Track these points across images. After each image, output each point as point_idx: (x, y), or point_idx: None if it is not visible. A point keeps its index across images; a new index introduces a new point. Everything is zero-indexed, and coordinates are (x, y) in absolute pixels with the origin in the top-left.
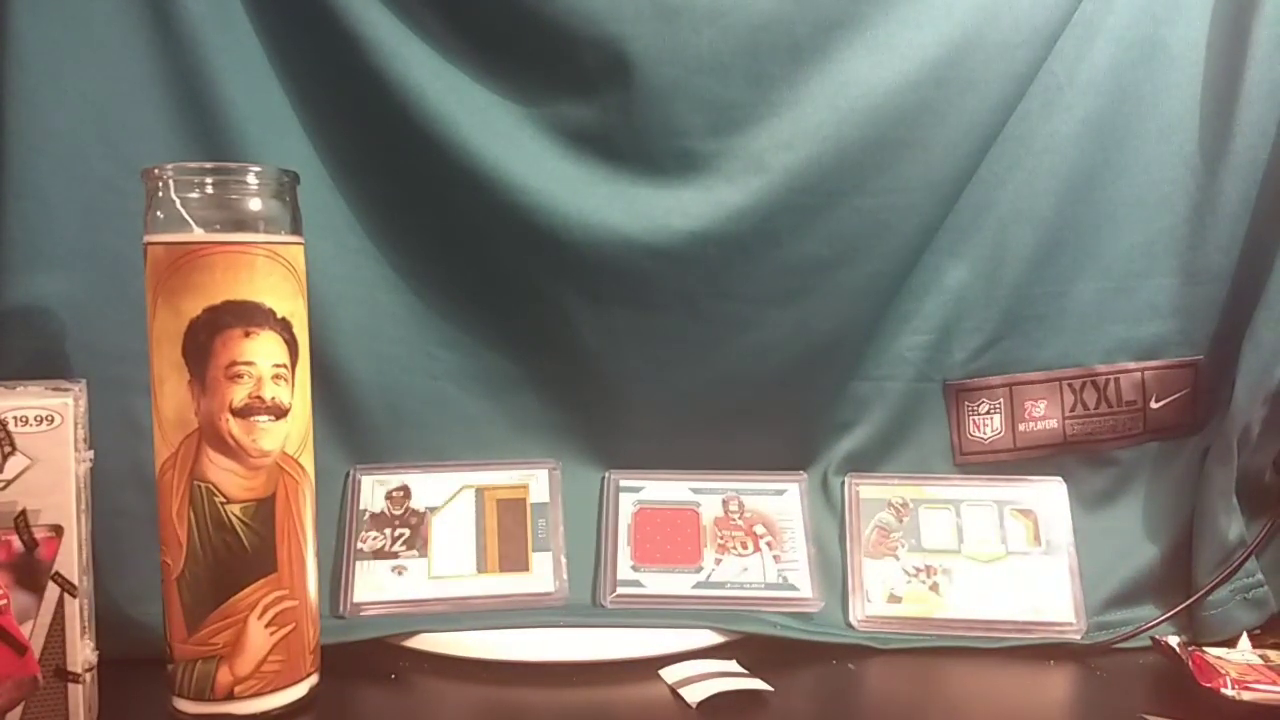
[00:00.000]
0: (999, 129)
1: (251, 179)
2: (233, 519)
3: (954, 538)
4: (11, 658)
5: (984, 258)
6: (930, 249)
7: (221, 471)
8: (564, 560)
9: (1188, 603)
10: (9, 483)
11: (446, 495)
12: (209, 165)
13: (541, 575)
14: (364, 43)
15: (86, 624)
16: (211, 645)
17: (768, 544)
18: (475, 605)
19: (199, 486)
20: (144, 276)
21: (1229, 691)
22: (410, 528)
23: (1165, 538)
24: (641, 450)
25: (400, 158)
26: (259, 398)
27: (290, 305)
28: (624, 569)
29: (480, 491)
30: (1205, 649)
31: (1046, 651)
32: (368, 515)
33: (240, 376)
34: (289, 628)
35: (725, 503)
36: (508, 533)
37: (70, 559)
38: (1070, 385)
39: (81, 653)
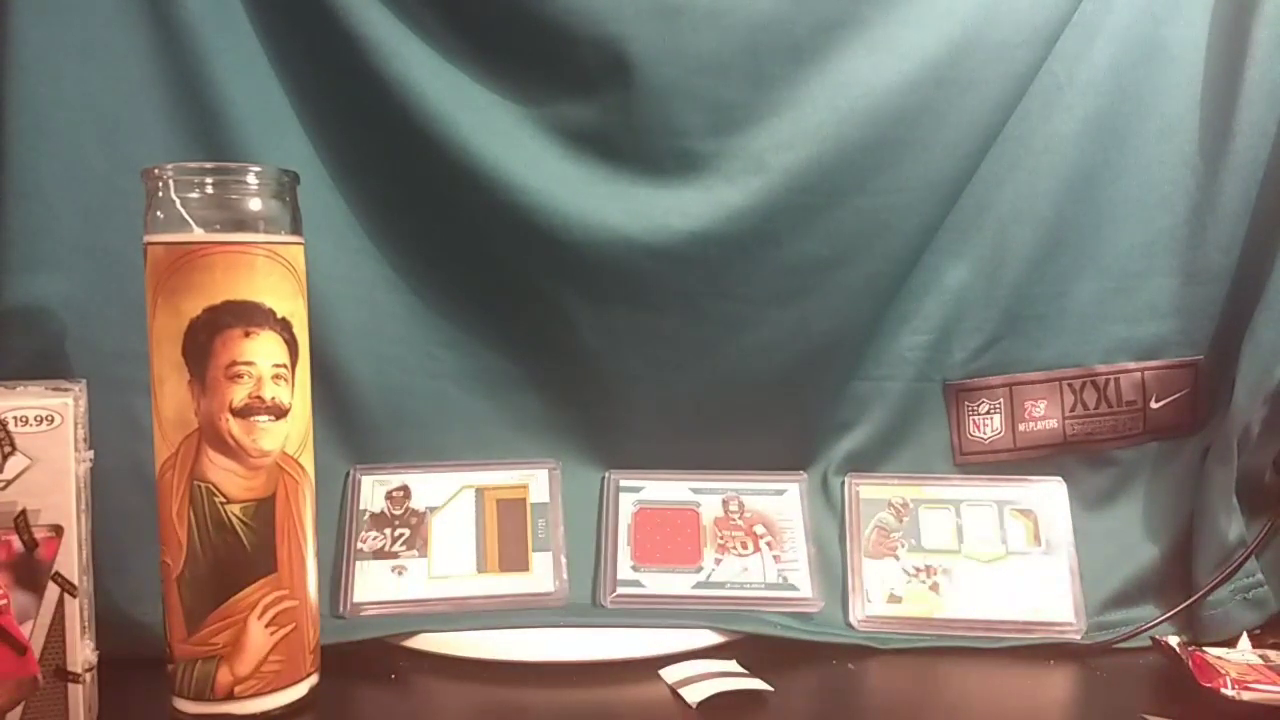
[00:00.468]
0: (999, 129)
1: (251, 179)
2: (233, 519)
3: (954, 538)
4: (11, 658)
5: (984, 258)
6: (930, 249)
7: (221, 471)
8: (564, 560)
9: (1188, 603)
10: (9, 483)
11: (446, 495)
12: (209, 165)
13: (541, 575)
14: (364, 43)
15: (86, 624)
16: (211, 645)
17: (768, 544)
18: (475, 605)
19: (199, 486)
20: (144, 276)
21: (1229, 691)
22: (410, 528)
23: (1165, 538)
24: (641, 450)
25: (400, 158)
26: (259, 398)
27: (290, 305)
28: (624, 569)
29: (480, 491)
30: (1205, 649)
31: (1046, 651)
32: (368, 515)
33: (240, 376)
34: (289, 628)
35: (725, 503)
36: (508, 533)
37: (70, 559)
38: (1070, 385)
39: (81, 653)
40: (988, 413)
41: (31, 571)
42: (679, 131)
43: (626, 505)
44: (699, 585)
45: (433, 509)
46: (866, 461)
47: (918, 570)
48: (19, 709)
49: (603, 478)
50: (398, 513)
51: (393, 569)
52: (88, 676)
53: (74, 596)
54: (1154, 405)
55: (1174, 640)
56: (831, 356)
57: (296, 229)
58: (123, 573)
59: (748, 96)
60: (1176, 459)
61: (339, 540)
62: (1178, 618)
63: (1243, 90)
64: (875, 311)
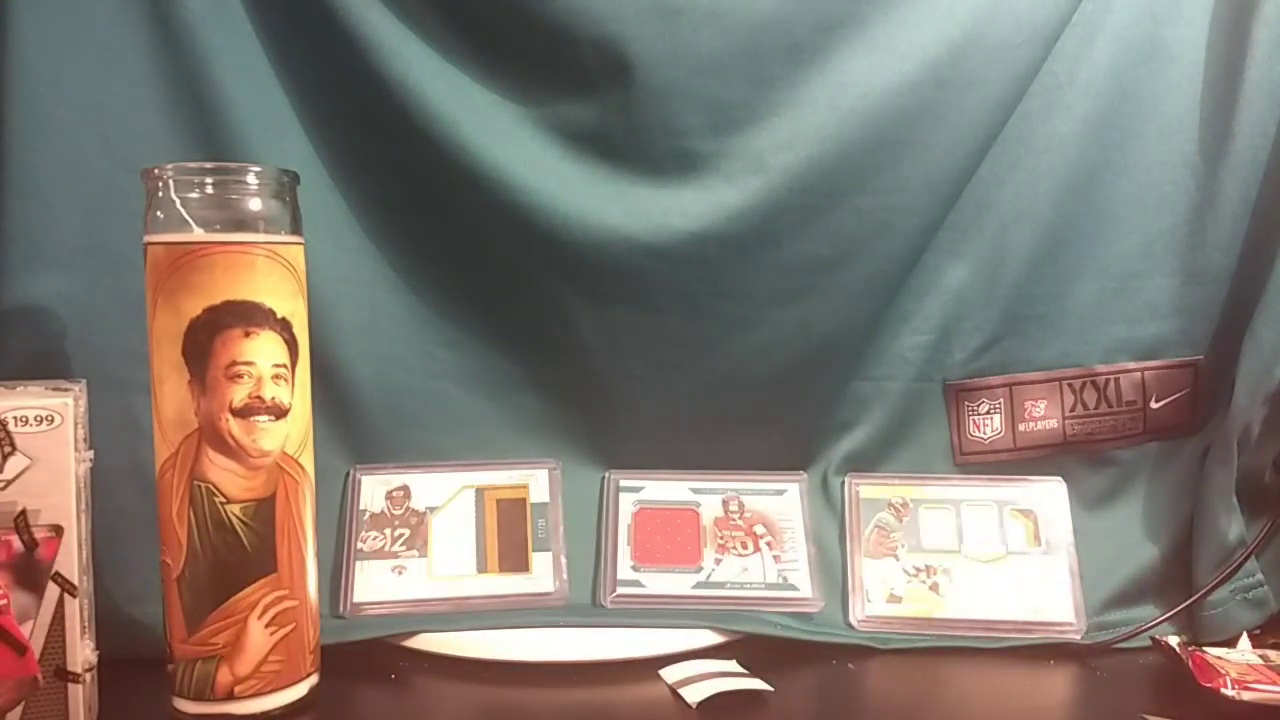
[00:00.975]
0: (999, 129)
1: (251, 179)
2: (233, 519)
3: (954, 538)
4: (11, 658)
5: (984, 258)
6: (930, 249)
7: (221, 471)
8: (564, 560)
9: (1188, 603)
10: (9, 483)
11: (446, 495)
12: (209, 165)
13: (541, 575)
14: (364, 43)
15: (86, 624)
16: (211, 645)
17: (768, 544)
18: (475, 605)
19: (199, 486)
20: (144, 276)
21: (1229, 691)
22: (410, 528)
23: (1165, 538)
24: (641, 450)
25: (400, 158)
26: (259, 398)
27: (290, 305)
28: (624, 569)
29: (480, 491)
30: (1205, 649)
31: (1046, 651)
32: (368, 515)
33: (240, 376)
34: (289, 628)
35: (725, 503)
36: (508, 533)
37: (70, 559)
38: (1070, 385)
39: (81, 653)
40: (988, 413)
41: (31, 571)
42: (679, 131)
43: (626, 505)
44: (699, 585)
45: (433, 509)
46: (866, 461)
47: (918, 570)
48: (19, 709)
49: (603, 478)
50: (398, 513)
51: (393, 569)
52: (88, 676)
53: (74, 596)
54: (1154, 405)
55: (1174, 640)
56: (831, 356)
57: (296, 229)
58: (123, 573)
59: (748, 96)
60: (1176, 459)
61: (339, 540)
62: (1178, 618)
63: (1243, 90)
64: (875, 311)
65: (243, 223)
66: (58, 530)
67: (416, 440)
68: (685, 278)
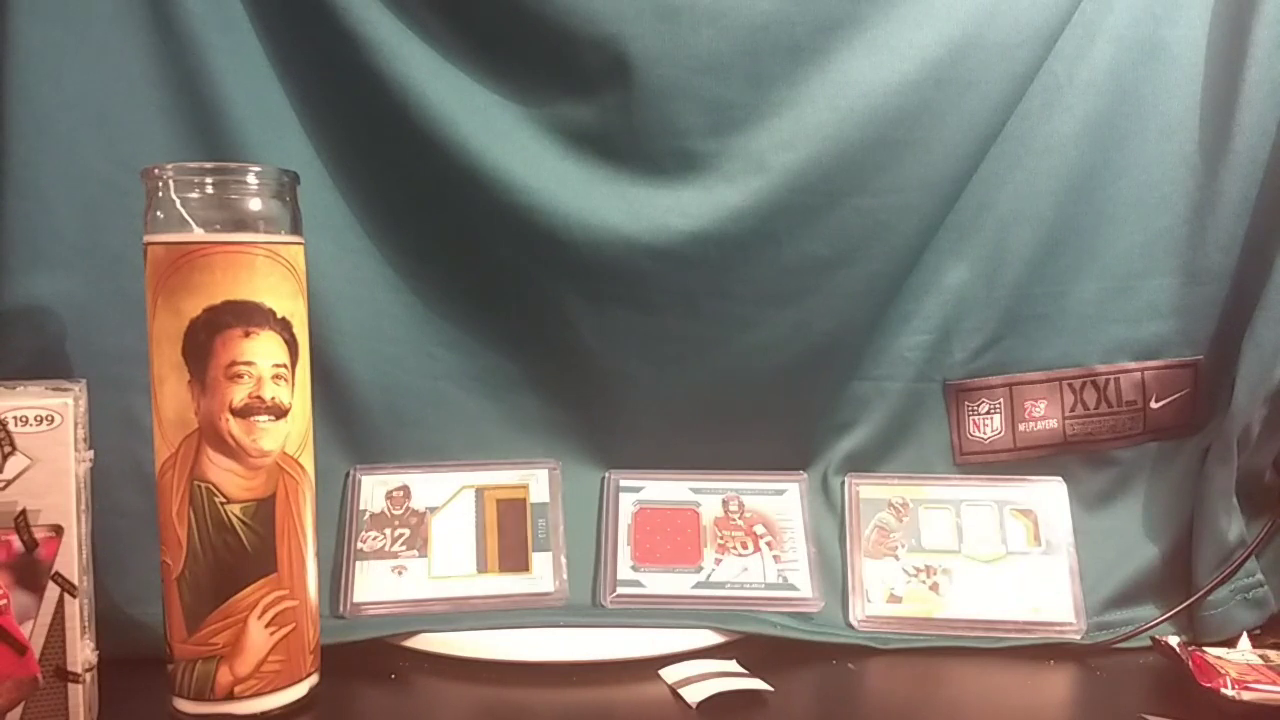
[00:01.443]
0: (999, 129)
1: (251, 179)
2: (233, 519)
3: (954, 538)
4: (11, 658)
5: (984, 258)
6: (930, 249)
7: (221, 471)
8: (564, 560)
9: (1188, 603)
10: (9, 483)
11: (446, 495)
12: (209, 165)
13: (541, 575)
14: (364, 43)
15: (86, 624)
16: (211, 645)
17: (768, 544)
18: (475, 605)
19: (199, 486)
20: (144, 276)
21: (1229, 691)
22: (410, 528)
23: (1165, 538)
24: (641, 450)
25: (400, 158)
26: (259, 398)
27: (290, 305)
28: (624, 569)
29: (480, 491)
30: (1205, 649)
31: (1046, 651)
32: (368, 515)
33: (240, 376)
34: (289, 628)
35: (725, 503)
36: (508, 533)
37: (70, 559)
38: (1070, 385)
39: (81, 653)
40: (988, 413)
41: (31, 571)
42: (679, 131)
43: (626, 505)
44: (699, 585)
45: (433, 509)
46: (866, 461)
47: (918, 570)
48: (19, 709)
49: (603, 478)
50: (398, 513)
51: (393, 569)
52: (88, 676)
53: (74, 596)
54: (1154, 405)
55: (1174, 640)
56: (831, 356)
57: (296, 229)
58: (123, 573)
59: (747, 96)
60: (1176, 459)
61: (339, 540)
62: (1178, 618)
63: (1243, 90)
64: (875, 311)
65: (243, 223)
66: (58, 530)
67: (416, 440)
68: (685, 278)
